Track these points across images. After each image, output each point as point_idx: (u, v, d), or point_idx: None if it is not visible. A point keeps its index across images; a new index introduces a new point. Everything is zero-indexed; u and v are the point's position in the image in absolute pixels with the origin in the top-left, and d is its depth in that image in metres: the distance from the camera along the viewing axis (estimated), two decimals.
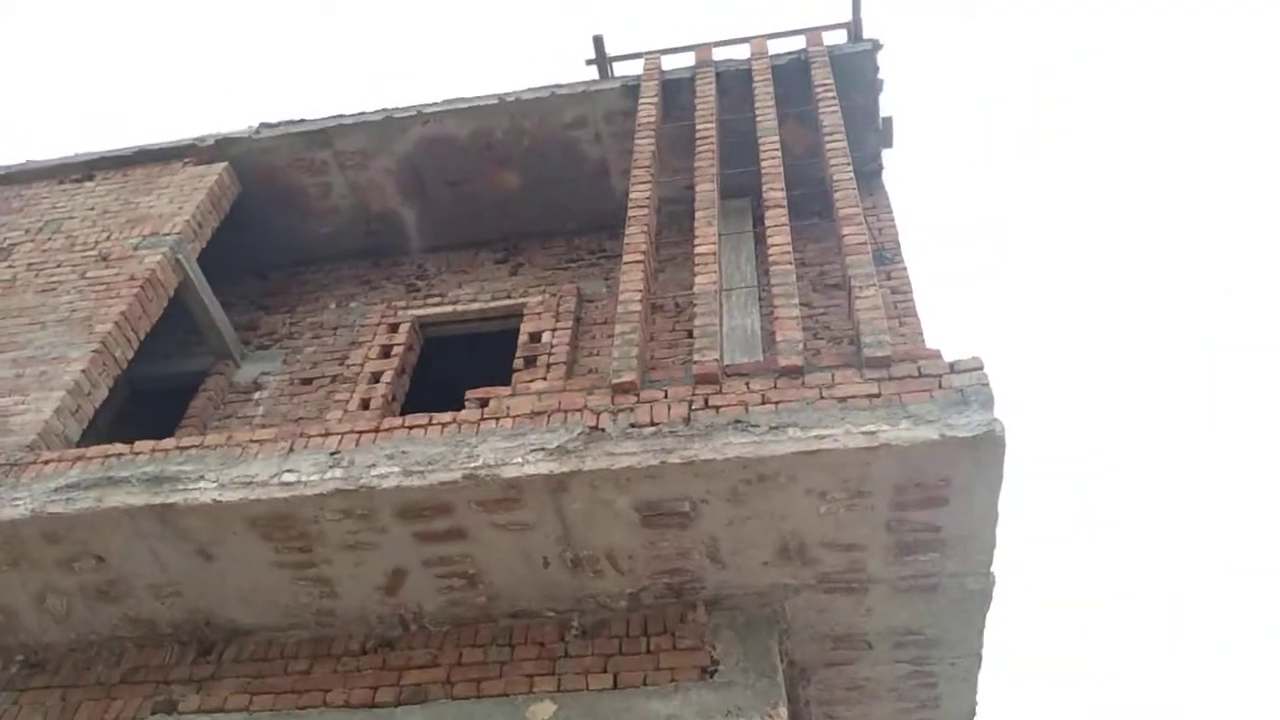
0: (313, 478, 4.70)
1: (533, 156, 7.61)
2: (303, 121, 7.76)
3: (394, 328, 7.14)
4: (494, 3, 32.29)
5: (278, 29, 33.23)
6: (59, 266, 6.71)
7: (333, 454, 4.79)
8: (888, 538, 4.60)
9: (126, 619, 5.13)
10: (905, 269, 6.51)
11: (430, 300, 7.49)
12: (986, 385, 4.40)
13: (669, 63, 7.58)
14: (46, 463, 5.06)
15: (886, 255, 6.68)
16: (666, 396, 4.79)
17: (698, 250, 5.70)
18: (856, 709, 5.47)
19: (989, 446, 4.21)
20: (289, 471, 4.76)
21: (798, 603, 4.89)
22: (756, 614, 4.85)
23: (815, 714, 5.50)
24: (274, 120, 7.79)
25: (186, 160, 7.64)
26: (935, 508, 4.45)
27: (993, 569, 4.72)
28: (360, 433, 4.90)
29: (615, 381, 4.87)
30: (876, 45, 7.16)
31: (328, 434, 4.92)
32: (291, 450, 4.91)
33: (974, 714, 5.51)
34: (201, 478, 4.82)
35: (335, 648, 4.97)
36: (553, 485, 4.50)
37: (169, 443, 5.07)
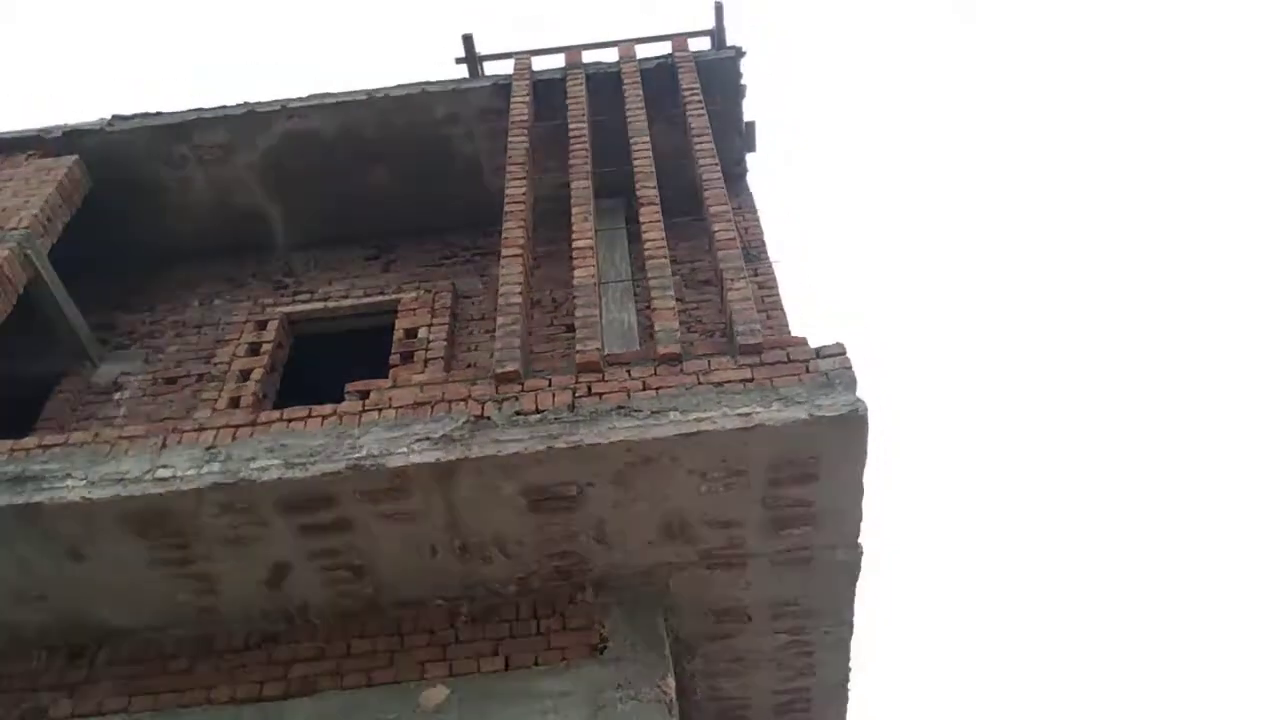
0: (189, 472, 4.61)
1: (404, 154, 7.59)
2: (159, 114, 7.50)
3: (262, 325, 6.99)
4: (364, 3, 31.58)
5: (143, 20, 31.41)
6: None
7: (209, 448, 4.71)
8: (764, 513, 4.87)
9: None
10: (771, 266, 6.84)
11: (299, 297, 7.36)
12: (850, 369, 4.73)
13: (539, 64, 7.71)
14: None
15: (753, 254, 6.99)
16: (550, 385, 4.92)
17: (576, 244, 5.85)
18: (739, 680, 5.73)
19: (853, 425, 4.53)
20: (163, 467, 4.66)
21: (682, 580, 5.10)
22: (643, 592, 5.04)
23: (700, 686, 5.73)
24: (128, 113, 7.50)
25: (31, 153, 7.25)
26: (807, 484, 4.75)
27: (860, 541, 5.06)
28: (236, 427, 4.83)
29: (499, 371, 4.97)
30: (740, 52, 7.50)
31: (202, 429, 4.84)
32: (164, 446, 4.79)
33: (847, 681, 5.85)
34: (68, 476, 4.65)
35: (218, 644, 4.87)
36: (440, 474, 4.57)
37: (30, 441, 4.87)
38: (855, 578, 5.18)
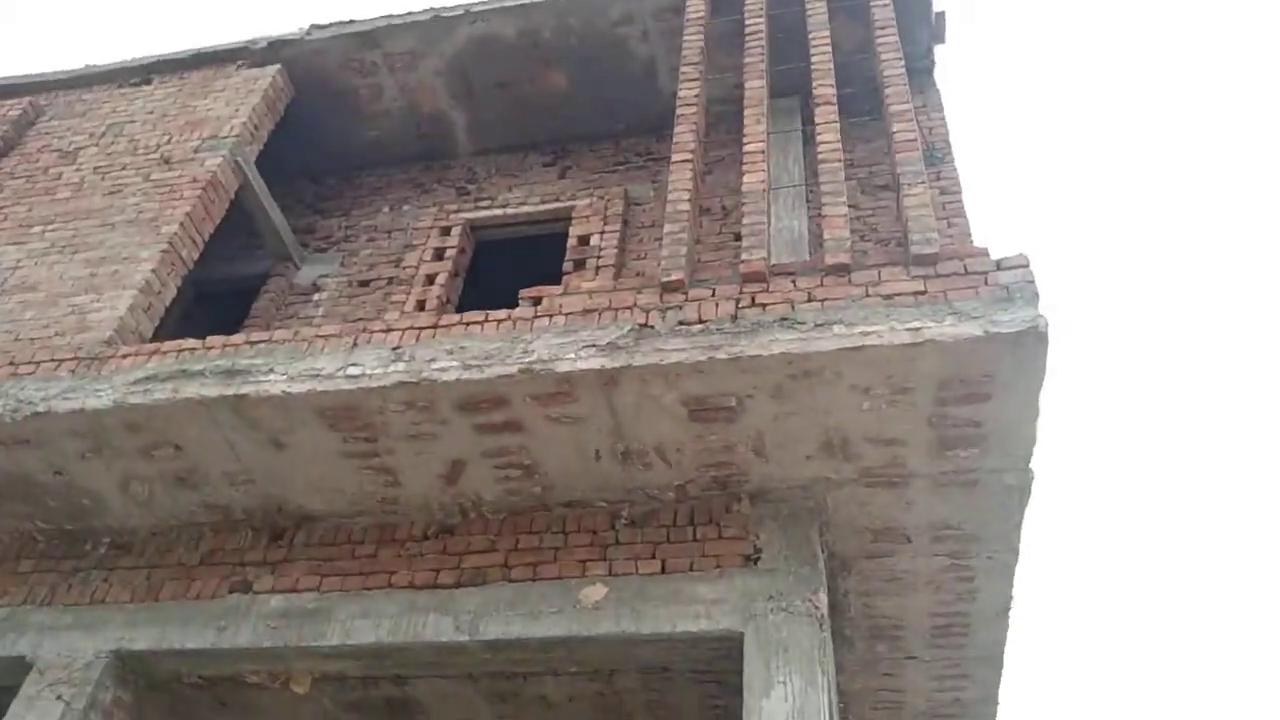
0: (376, 370, 4.91)
1: (580, 56, 7.58)
2: (352, 23, 7.79)
3: (446, 230, 7.28)
4: None
5: None
6: (124, 169, 6.91)
7: (394, 349, 4.99)
8: (929, 433, 4.71)
9: (204, 505, 5.47)
10: (955, 169, 6.46)
11: (481, 203, 7.60)
12: (1032, 282, 4.43)
13: None
14: (124, 357, 5.33)
15: (937, 155, 6.62)
16: (714, 295, 4.89)
17: (746, 149, 5.71)
18: (894, 600, 5.67)
19: (1032, 342, 4.27)
20: (353, 365, 4.98)
21: (839, 496, 5.04)
22: (799, 506, 5.02)
23: (854, 604, 5.71)
24: (324, 22, 7.83)
25: (240, 63, 7.73)
26: (977, 403, 4.54)
27: (1032, 465, 4.83)
28: (420, 329, 5.08)
29: (664, 280, 4.97)
30: None
31: (389, 330, 5.12)
32: (355, 345, 5.11)
33: (1008, 609, 5.68)
34: (271, 370, 5.05)
35: (399, 533, 5.25)
36: (604, 380, 4.66)
37: (239, 338, 5.30)
38: (1025, 503, 4.95)
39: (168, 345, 5.34)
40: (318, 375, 4.93)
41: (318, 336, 5.17)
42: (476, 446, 5.01)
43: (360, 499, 5.30)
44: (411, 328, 5.06)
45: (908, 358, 4.43)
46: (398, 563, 5.12)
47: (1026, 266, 4.52)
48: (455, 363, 4.79)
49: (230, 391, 4.97)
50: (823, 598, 4.65)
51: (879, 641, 6.06)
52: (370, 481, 5.22)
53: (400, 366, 4.86)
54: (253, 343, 5.21)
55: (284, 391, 4.92)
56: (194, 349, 5.25)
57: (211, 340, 5.30)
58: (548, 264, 7.28)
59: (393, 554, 5.15)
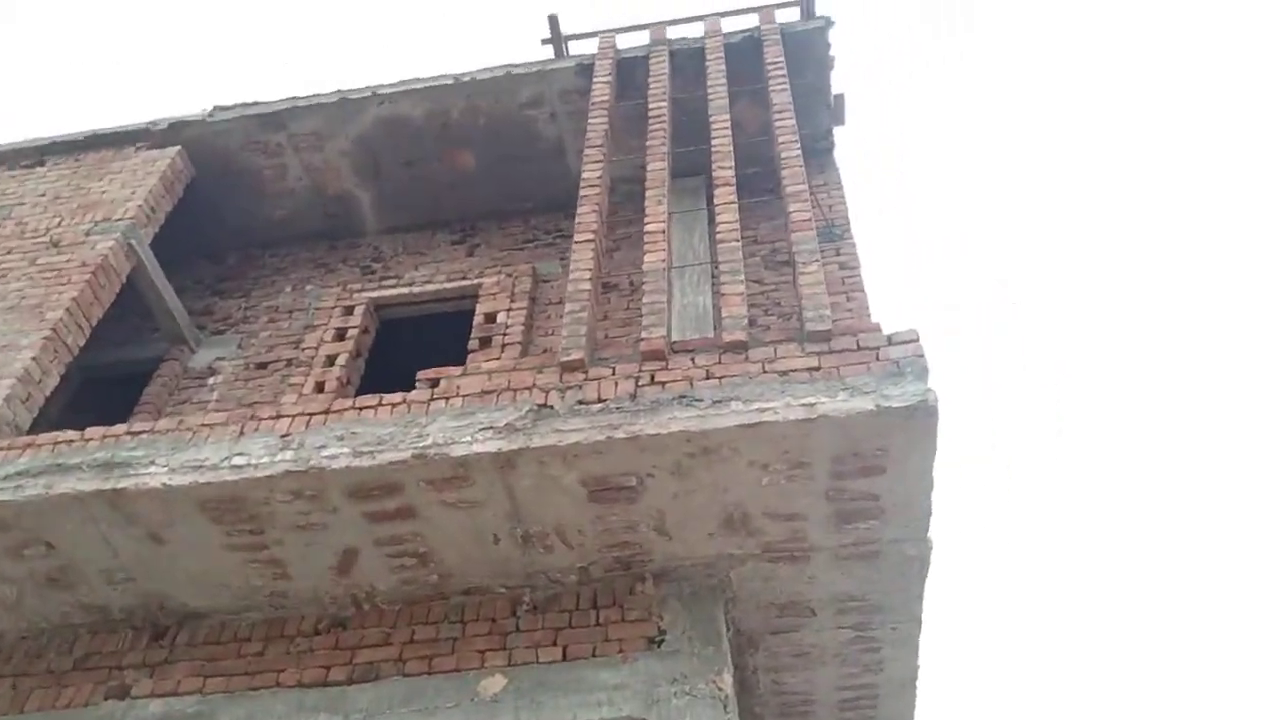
0: (263, 460, 4.74)
1: (489, 137, 7.63)
2: (256, 104, 7.73)
3: (349, 310, 7.15)
4: None
5: (232, 12, 32.84)
6: (9, 253, 6.67)
7: (283, 436, 4.83)
8: (828, 507, 4.70)
9: (79, 605, 5.16)
10: (854, 245, 6.60)
11: (386, 282, 7.50)
12: (921, 356, 4.49)
13: (624, 41, 7.61)
14: None
15: (836, 232, 6.75)
16: (614, 374, 4.85)
17: (647, 228, 5.76)
18: (802, 674, 5.59)
19: (922, 416, 4.31)
20: (239, 455, 4.80)
21: (743, 572, 4.99)
22: (703, 584, 4.95)
23: (763, 680, 5.62)
24: (228, 103, 7.76)
25: (139, 145, 7.59)
26: (873, 476, 4.55)
27: (930, 535, 4.84)
28: (311, 415, 4.93)
29: (564, 360, 4.93)
30: (828, 23, 7.21)
31: (278, 417, 4.96)
32: (242, 434, 4.94)
33: (916, 678, 5.64)
34: (152, 462, 4.84)
35: (289, 628, 5.02)
36: (501, 463, 4.56)
37: (119, 428, 5.08)
38: (925, 573, 4.96)
39: (43, 438, 5.09)
40: (201, 466, 4.74)
41: (203, 425, 4.98)
42: (370, 535, 4.85)
43: (247, 593, 5.07)
44: (302, 414, 4.91)
45: (803, 433, 4.43)
46: (286, 660, 4.87)
47: (916, 341, 4.59)
48: (346, 449, 4.65)
49: (108, 486, 4.74)
50: (727, 678, 4.55)
51: (788, 719, 5.96)
52: (257, 575, 4.99)
53: (288, 455, 4.70)
54: (134, 433, 5.00)
55: (164, 484, 4.71)
56: (71, 441, 5.02)
57: (90, 432, 5.07)
58: (458, 343, 7.19)
59: (281, 651, 4.90)
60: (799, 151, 6.03)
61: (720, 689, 4.43)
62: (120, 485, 4.74)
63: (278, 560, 4.93)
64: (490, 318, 6.84)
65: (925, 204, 30.23)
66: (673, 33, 7.58)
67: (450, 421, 4.73)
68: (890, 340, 4.64)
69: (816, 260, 5.19)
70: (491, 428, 4.66)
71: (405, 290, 7.37)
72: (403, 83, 7.62)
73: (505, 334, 6.64)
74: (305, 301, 7.46)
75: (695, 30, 7.52)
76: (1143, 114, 31.22)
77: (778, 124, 6.33)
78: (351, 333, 6.97)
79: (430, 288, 7.33)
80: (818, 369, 4.62)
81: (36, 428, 5.84)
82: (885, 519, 4.71)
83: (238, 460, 4.78)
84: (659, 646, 4.63)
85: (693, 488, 4.65)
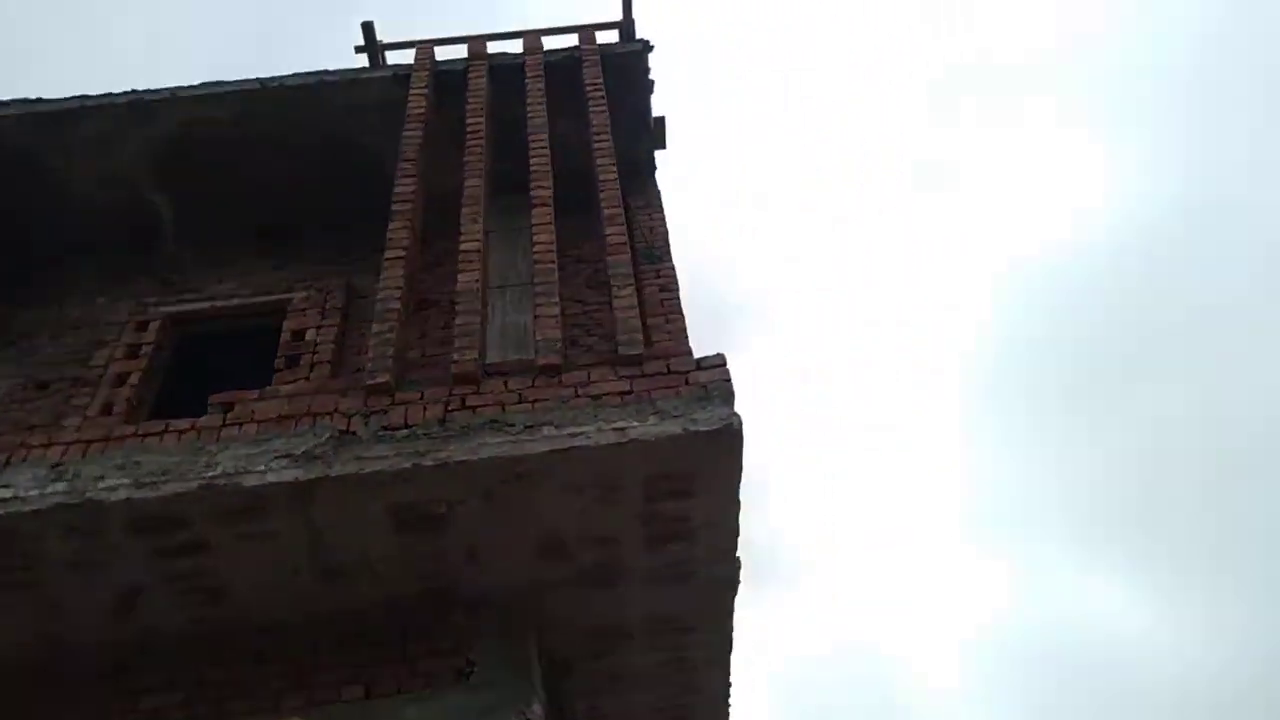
0: (31, 493, 4.35)
1: (300, 146, 7.29)
2: (40, 101, 7.14)
3: (143, 325, 6.67)
4: None
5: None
6: None
7: (55, 466, 4.46)
8: (641, 530, 4.73)
9: None
10: (673, 268, 6.65)
11: (186, 296, 7.04)
12: (728, 381, 4.59)
13: (444, 54, 7.47)
14: None
15: (656, 254, 6.81)
16: (423, 398, 4.73)
17: (462, 247, 5.67)
18: (619, 699, 5.61)
19: (728, 439, 4.40)
20: (3, 487, 4.39)
21: (557, 598, 4.96)
22: (516, 613, 4.88)
23: (579, 707, 5.60)
24: (6, 99, 7.13)
25: None
26: (683, 499, 4.62)
27: (738, 555, 4.95)
28: (88, 442, 4.58)
29: (369, 382, 4.76)
30: (647, 46, 7.29)
31: (50, 444, 4.57)
32: (9, 463, 4.53)
33: (728, 694, 5.75)
34: None
35: (65, 676, 4.62)
36: (298, 493, 4.36)
37: None
38: (734, 592, 5.07)
39: None
40: None
41: None
42: (155, 571, 4.54)
43: (16, 637, 4.63)
44: (77, 441, 4.55)
45: (615, 457, 4.44)
46: (63, 708, 4.48)
47: (723, 366, 4.68)
48: (126, 480, 4.33)
49: None
50: (538, 709, 4.50)
51: None
52: (28, 617, 4.57)
53: (61, 486, 4.34)
54: None
55: None
56: None
57: None
58: (262, 362, 6.83)
59: (58, 698, 4.50)
60: (615, 174, 6.07)
61: None
62: None
63: (50, 601, 4.54)
64: (299, 335, 6.52)
65: None
66: (493, 48, 7.49)
67: (243, 449, 4.48)
68: (699, 365, 4.72)
69: (630, 284, 5.23)
70: (289, 455, 4.44)
71: (207, 304, 6.94)
72: (204, 85, 7.20)
73: (314, 353, 6.33)
74: (95, 315, 6.90)
75: (515, 47, 7.45)
76: None
77: (596, 145, 6.36)
78: (146, 349, 6.50)
79: (235, 302, 6.94)
80: (629, 393, 4.64)
81: None
82: (695, 540, 4.78)
83: (2, 493, 4.37)
84: (467, 679, 4.53)
85: (505, 514, 4.58)
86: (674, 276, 6.58)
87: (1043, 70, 34.14)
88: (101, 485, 4.35)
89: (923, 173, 33.44)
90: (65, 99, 7.13)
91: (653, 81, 7.35)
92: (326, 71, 7.27)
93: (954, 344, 32.71)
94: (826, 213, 34.86)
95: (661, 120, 7.66)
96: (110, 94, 7.16)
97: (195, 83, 7.28)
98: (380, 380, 4.76)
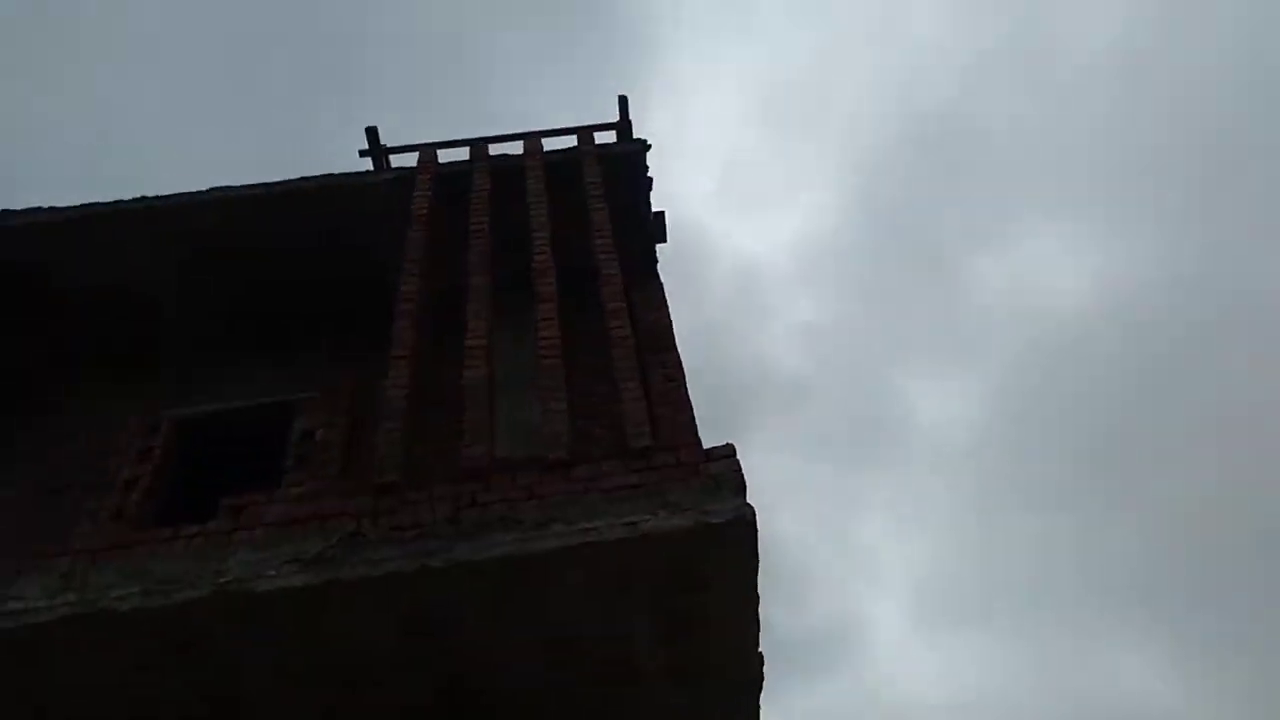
0: (41, 604, 4.33)
1: (306, 248, 7.44)
2: (52, 210, 7.30)
3: (153, 429, 6.70)
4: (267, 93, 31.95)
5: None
6: None
7: (64, 575, 4.43)
8: (654, 626, 4.67)
9: None
10: (678, 358, 6.71)
11: (196, 398, 7.09)
12: (738, 471, 4.60)
13: (445, 156, 7.66)
14: None
15: (661, 345, 6.89)
16: (432, 496, 4.73)
17: (468, 344, 5.74)
18: None
19: (741, 530, 4.39)
20: (14, 599, 4.37)
21: (571, 699, 4.86)
22: (530, 714, 4.79)
23: None
24: (17, 208, 7.29)
25: None
26: (697, 593, 4.58)
27: (760, 651, 4.87)
28: (97, 551, 4.56)
29: (378, 482, 4.78)
30: (645, 145, 7.50)
31: (59, 555, 4.56)
32: (19, 573, 4.50)
33: None
34: None
35: None
36: (309, 598, 4.33)
37: None
38: (757, 691, 4.98)
39: None
40: None
41: None
42: (166, 680, 4.46)
43: None
44: (86, 549, 4.54)
45: (626, 552, 4.42)
46: None
47: (733, 456, 4.69)
48: (136, 589, 4.31)
49: None
50: None
51: None
52: None
53: (71, 596, 4.31)
54: None
55: None
56: None
57: None
58: (271, 461, 6.84)
59: None
60: (617, 269, 6.18)
61: None
62: None
63: (64, 714, 4.47)
64: (308, 435, 6.55)
65: None
66: (495, 149, 7.69)
67: (253, 554, 4.47)
68: (709, 456, 4.73)
69: (635, 377, 5.28)
70: (298, 559, 4.43)
71: (216, 407, 7.00)
72: (213, 191, 7.39)
73: (323, 452, 6.37)
74: (104, 422, 6.94)
75: (517, 148, 7.64)
76: None
77: (597, 242, 6.49)
78: (155, 453, 6.52)
79: (242, 403, 6.99)
80: (639, 486, 4.64)
81: None
82: (712, 636, 4.71)
83: (13, 604, 4.35)
84: None
85: (516, 613, 4.54)
86: (679, 366, 6.64)
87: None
88: (112, 594, 4.33)
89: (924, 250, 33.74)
90: (77, 207, 7.29)
91: (651, 179, 7.54)
92: (331, 175, 7.46)
93: (968, 414, 32.31)
94: (837, 286, 35.00)
95: (661, 215, 7.83)
96: (119, 201, 7.34)
97: (203, 188, 7.46)
98: (389, 480, 4.77)
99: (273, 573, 4.35)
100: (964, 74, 36.31)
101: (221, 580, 4.33)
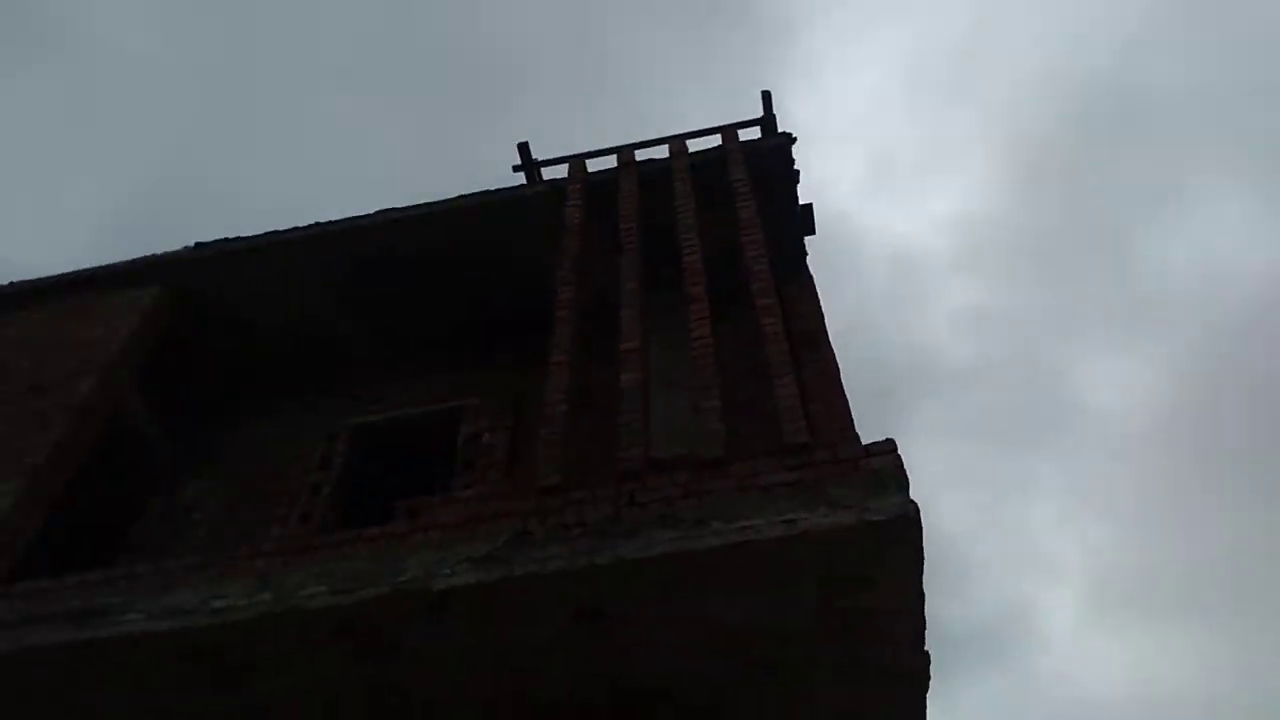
0: (241, 603, 4.67)
1: (467, 261, 7.75)
2: (238, 239, 7.88)
3: (333, 438, 7.15)
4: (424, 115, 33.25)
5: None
6: None
7: (261, 577, 4.77)
8: (820, 623, 4.62)
9: None
10: (831, 353, 6.63)
11: (371, 407, 7.51)
12: (901, 467, 4.49)
13: (594, 165, 7.82)
14: None
15: (813, 340, 6.81)
16: (593, 496, 4.83)
17: (623, 347, 5.83)
18: None
19: (905, 528, 4.28)
20: (217, 598, 4.73)
21: (738, 695, 4.87)
22: (696, 707, 4.83)
23: None
24: (207, 239, 7.90)
25: (121, 285, 7.68)
26: (861, 591, 4.50)
27: (926, 648, 4.75)
28: (288, 553, 4.89)
29: (542, 484, 4.92)
30: (790, 139, 7.44)
31: (256, 556, 4.91)
32: (221, 575, 4.88)
33: None
34: (130, 609, 4.77)
35: None
36: (482, 594, 4.50)
37: (96, 574, 5.03)
38: (925, 687, 4.85)
39: (18, 587, 5.02)
40: (179, 611, 4.67)
41: (181, 568, 4.92)
42: (354, 674, 4.74)
43: None
44: (278, 552, 4.87)
45: (787, 550, 4.40)
46: None
47: (894, 452, 4.59)
48: (324, 588, 4.59)
49: (84, 636, 4.65)
50: None
51: None
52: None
53: (267, 596, 4.64)
54: (111, 580, 4.93)
55: (143, 631, 4.63)
56: (46, 590, 4.94)
57: (67, 579, 5.00)
58: (442, 465, 7.16)
59: None
60: (767, 265, 6.15)
61: None
62: (99, 634, 4.66)
63: (260, 707, 4.81)
64: (473, 439, 6.84)
65: None
66: (641, 155, 7.79)
67: (430, 554, 4.68)
68: (869, 451, 4.64)
69: (789, 372, 5.24)
70: (470, 558, 4.61)
71: (390, 415, 7.39)
72: (379, 213, 7.79)
73: (490, 455, 6.63)
74: (289, 432, 7.45)
75: (662, 152, 7.72)
76: None
77: (745, 239, 6.48)
78: (336, 460, 6.95)
79: (415, 411, 7.35)
80: (798, 483, 4.60)
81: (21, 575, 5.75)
82: (878, 634, 4.62)
83: (217, 604, 4.71)
84: None
85: (679, 610, 4.58)
86: (833, 360, 6.55)
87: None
88: (302, 593, 4.63)
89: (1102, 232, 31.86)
90: (259, 235, 7.84)
91: (797, 172, 7.48)
92: (488, 191, 7.75)
93: (1147, 397, 30.32)
94: (1001, 267, 33.61)
95: (809, 207, 7.74)
96: (298, 226, 7.83)
97: (370, 211, 7.88)
98: (552, 482, 4.91)
99: (448, 571, 4.55)
100: (1127, 38, 34.18)
101: (401, 579, 4.56)
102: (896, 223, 38.08)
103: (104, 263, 7.97)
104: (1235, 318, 29.13)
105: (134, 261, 7.76)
